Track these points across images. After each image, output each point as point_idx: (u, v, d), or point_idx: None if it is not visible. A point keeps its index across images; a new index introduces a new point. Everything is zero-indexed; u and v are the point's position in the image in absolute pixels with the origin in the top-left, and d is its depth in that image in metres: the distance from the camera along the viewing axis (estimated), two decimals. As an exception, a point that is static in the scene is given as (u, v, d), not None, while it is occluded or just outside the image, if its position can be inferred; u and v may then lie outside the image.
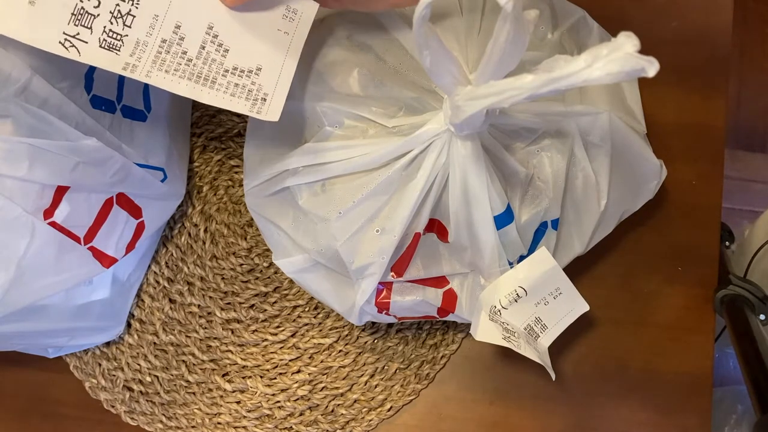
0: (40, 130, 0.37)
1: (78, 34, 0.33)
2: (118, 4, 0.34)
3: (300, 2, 0.38)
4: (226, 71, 0.37)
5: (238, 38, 0.37)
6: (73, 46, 0.33)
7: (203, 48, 0.36)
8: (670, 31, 0.55)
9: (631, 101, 0.47)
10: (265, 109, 0.38)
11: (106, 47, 0.34)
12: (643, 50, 0.23)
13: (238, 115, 0.56)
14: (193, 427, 0.52)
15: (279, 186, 0.41)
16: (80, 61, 0.33)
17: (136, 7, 0.35)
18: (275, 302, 0.53)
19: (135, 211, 0.46)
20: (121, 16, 0.34)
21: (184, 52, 0.36)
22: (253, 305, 0.53)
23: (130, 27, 0.34)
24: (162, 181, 0.48)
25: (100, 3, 0.34)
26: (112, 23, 0.34)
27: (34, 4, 0.32)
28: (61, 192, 0.39)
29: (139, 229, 0.47)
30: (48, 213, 0.39)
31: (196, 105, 0.56)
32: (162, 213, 0.50)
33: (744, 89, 1.15)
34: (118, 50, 0.34)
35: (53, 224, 0.39)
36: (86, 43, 0.33)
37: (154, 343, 0.53)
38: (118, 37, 0.34)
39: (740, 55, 1.15)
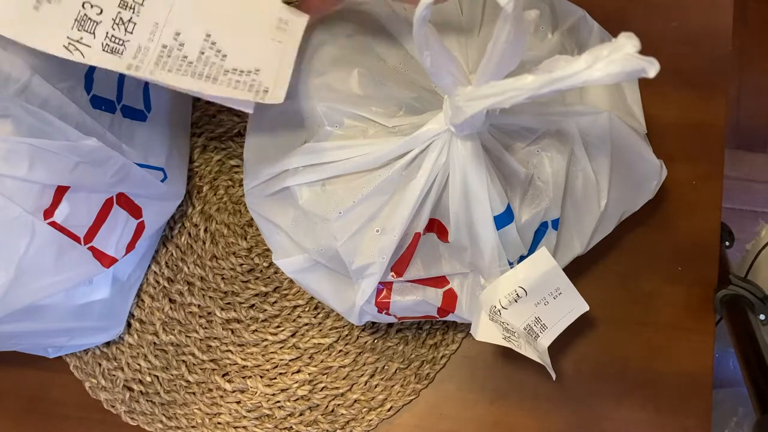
0: (40, 130, 0.37)
1: (81, 38, 0.35)
2: (119, 12, 0.36)
3: (291, 14, 0.40)
4: (227, 71, 0.38)
5: (235, 46, 0.39)
6: (77, 49, 0.34)
7: (202, 53, 0.38)
8: (670, 31, 0.55)
9: (632, 101, 0.47)
10: (269, 97, 0.39)
11: (108, 51, 0.35)
12: (643, 50, 0.23)
13: (238, 115, 0.56)
14: (193, 427, 0.52)
15: (279, 186, 0.41)
16: (85, 63, 0.35)
17: (138, 15, 0.36)
18: (275, 302, 0.53)
19: (135, 211, 0.46)
20: (123, 23, 0.36)
21: (185, 57, 0.37)
22: (253, 305, 0.53)
23: (131, 33, 0.36)
24: (162, 181, 0.48)
25: (102, 11, 0.35)
26: (114, 29, 0.36)
27: (38, 10, 0.34)
28: (61, 192, 0.39)
29: (139, 229, 0.47)
30: (48, 213, 0.39)
31: (196, 105, 0.56)
32: (162, 213, 0.50)
33: (744, 89, 1.15)
34: (121, 54, 0.36)
35: (53, 224, 0.39)
36: (89, 47, 0.35)
37: (154, 343, 0.53)
38: (120, 42, 0.36)
39: (740, 55, 1.14)
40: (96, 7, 0.35)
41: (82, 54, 0.34)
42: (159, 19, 0.37)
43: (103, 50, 0.35)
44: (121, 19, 0.36)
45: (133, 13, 0.36)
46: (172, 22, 0.37)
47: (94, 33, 0.35)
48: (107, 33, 0.35)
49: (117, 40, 0.36)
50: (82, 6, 0.35)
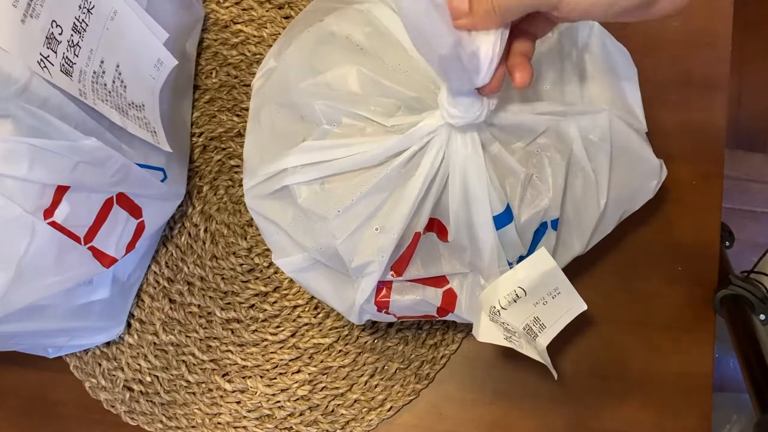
0: (40, 130, 0.37)
1: (48, 56, 0.36)
2: (72, 35, 0.37)
3: (166, 56, 0.44)
4: (129, 105, 0.42)
5: (131, 78, 0.42)
6: (46, 66, 0.35)
7: (114, 83, 0.40)
8: (670, 31, 0.55)
9: (632, 100, 0.47)
10: (160, 140, 0.45)
11: (63, 71, 0.37)
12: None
13: (238, 115, 0.56)
14: (193, 427, 0.52)
15: (278, 185, 0.41)
16: (52, 82, 0.36)
17: (82, 39, 0.38)
18: (275, 302, 0.53)
19: (135, 211, 0.46)
20: (73, 46, 0.38)
21: (105, 85, 0.40)
22: (253, 305, 0.54)
23: (77, 56, 0.38)
24: (162, 181, 0.48)
25: (62, 31, 0.37)
26: (67, 51, 0.37)
27: (24, 24, 0.35)
28: (61, 192, 0.39)
29: (139, 229, 0.47)
30: (48, 213, 0.39)
31: (196, 105, 0.56)
32: (162, 213, 0.50)
33: (744, 89, 1.14)
34: (71, 76, 0.37)
35: (53, 224, 0.39)
36: (52, 65, 0.36)
37: (154, 343, 0.53)
38: (71, 64, 0.37)
39: (740, 55, 1.14)
40: (59, 27, 0.36)
41: (50, 72, 0.35)
42: (93, 46, 0.39)
43: (61, 70, 0.36)
44: (72, 41, 0.37)
45: (80, 37, 0.38)
46: (100, 50, 0.39)
47: (56, 52, 0.36)
48: (63, 53, 0.37)
49: (69, 62, 0.37)
50: (51, 24, 0.36)
